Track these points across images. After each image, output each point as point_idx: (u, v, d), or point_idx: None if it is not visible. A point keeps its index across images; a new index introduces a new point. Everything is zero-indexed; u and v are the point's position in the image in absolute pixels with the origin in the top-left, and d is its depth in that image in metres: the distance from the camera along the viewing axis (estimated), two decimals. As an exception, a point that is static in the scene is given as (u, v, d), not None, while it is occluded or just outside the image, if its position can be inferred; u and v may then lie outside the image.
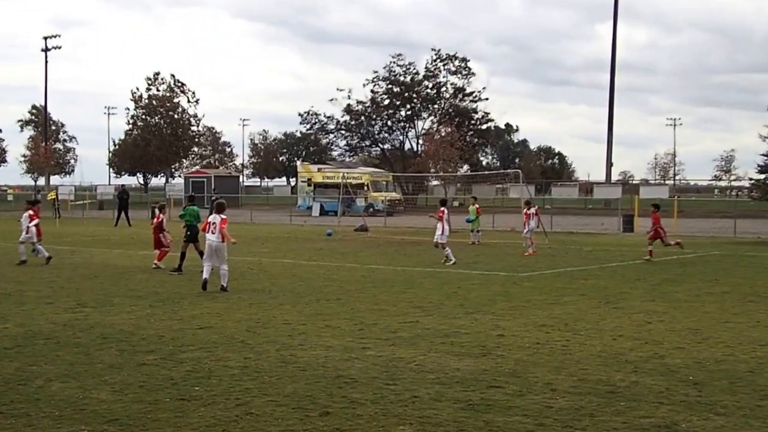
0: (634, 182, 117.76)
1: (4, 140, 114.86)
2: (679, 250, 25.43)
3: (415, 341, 11.65)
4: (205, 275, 16.88)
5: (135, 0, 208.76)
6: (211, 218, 16.99)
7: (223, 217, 16.84)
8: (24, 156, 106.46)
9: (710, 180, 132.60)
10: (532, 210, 27.80)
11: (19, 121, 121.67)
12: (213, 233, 16.74)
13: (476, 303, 15.42)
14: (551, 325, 13.02)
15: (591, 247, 29.24)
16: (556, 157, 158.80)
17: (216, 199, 21.06)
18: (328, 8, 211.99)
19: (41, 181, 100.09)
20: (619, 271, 21.58)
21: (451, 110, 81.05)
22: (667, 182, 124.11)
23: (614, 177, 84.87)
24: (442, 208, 23.44)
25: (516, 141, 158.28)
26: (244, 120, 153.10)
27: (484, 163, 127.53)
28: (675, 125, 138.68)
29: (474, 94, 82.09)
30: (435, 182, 67.28)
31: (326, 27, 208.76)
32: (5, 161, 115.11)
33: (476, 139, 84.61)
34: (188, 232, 20.84)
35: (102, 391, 8.83)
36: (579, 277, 19.76)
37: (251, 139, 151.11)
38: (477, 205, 32.54)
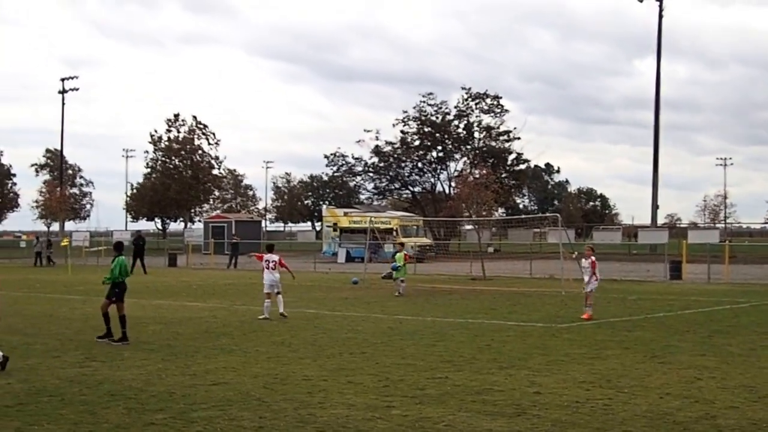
0: (681, 226, 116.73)
1: (17, 184, 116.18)
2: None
3: (444, 399, 11.43)
4: None
5: (147, 38, 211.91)
6: None
7: None
8: (37, 201, 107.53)
9: (763, 223, 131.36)
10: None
11: (33, 165, 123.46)
12: None
13: (511, 357, 15.16)
14: (592, 381, 12.73)
15: (635, 296, 28.84)
16: (598, 200, 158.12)
17: None
18: (348, 45, 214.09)
19: (55, 227, 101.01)
20: (666, 322, 21.20)
21: (485, 151, 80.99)
22: (717, 225, 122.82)
23: (660, 220, 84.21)
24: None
25: (554, 182, 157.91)
26: (267, 162, 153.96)
27: (520, 206, 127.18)
28: (725, 165, 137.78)
29: (509, 134, 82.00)
30: (468, 227, 66.96)
31: (348, 64, 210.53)
32: (18, 206, 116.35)
33: (512, 181, 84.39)
34: (116, 290, 17.80)
35: (105, 453, 8.68)
36: (622, 329, 19.42)
37: (274, 182, 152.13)
38: (405, 252, 31.44)
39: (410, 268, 44.64)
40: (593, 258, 22.90)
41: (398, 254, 31.02)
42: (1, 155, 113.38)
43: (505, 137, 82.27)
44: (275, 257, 22.10)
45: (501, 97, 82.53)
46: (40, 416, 10.45)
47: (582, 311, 22.29)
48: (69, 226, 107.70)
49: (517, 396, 11.62)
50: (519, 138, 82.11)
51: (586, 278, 22.55)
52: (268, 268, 21.81)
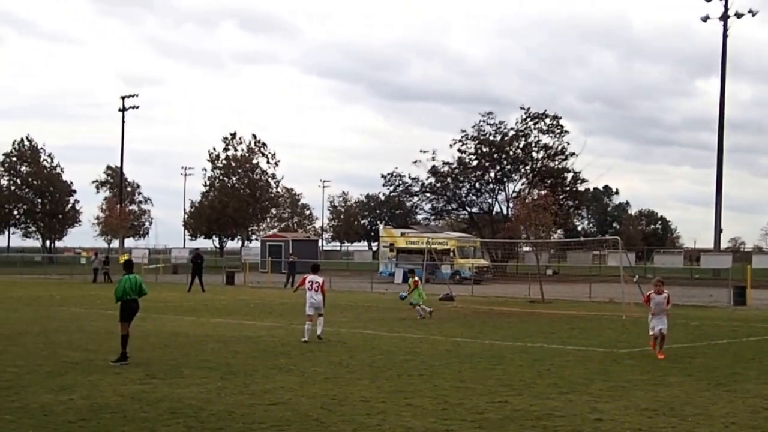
0: (746, 250, 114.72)
1: (78, 201, 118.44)
2: None
3: (503, 424, 11.37)
4: None
5: (204, 57, 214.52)
6: None
7: None
8: (98, 218, 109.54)
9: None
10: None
11: (94, 182, 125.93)
12: None
13: (571, 382, 15.02)
14: (655, 409, 12.56)
15: (698, 322, 28.38)
16: (659, 222, 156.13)
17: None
18: (405, 64, 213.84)
19: (115, 244, 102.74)
20: (730, 348, 20.83)
21: (543, 171, 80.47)
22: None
23: (723, 244, 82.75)
24: None
25: (614, 205, 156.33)
26: (324, 181, 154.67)
27: (579, 228, 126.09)
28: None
29: (563, 150, 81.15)
30: (526, 248, 66.57)
31: (405, 83, 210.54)
32: (79, 222, 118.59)
33: (570, 202, 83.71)
34: (121, 309, 17.62)
35: (167, 471, 8.79)
36: (685, 355, 19.13)
37: (331, 202, 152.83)
38: (416, 278, 29.67)
39: (467, 289, 44.63)
40: (668, 293, 19.34)
41: (409, 279, 30.14)
42: (63, 172, 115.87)
43: (562, 156, 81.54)
44: (319, 279, 21.50)
45: (560, 117, 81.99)
46: (103, 432, 10.65)
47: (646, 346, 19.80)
48: (128, 242, 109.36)
49: (578, 422, 11.52)
50: (575, 154, 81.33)
51: (657, 315, 18.94)
52: (311, 289, 21.21)
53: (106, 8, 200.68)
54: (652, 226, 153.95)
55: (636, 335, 23.48)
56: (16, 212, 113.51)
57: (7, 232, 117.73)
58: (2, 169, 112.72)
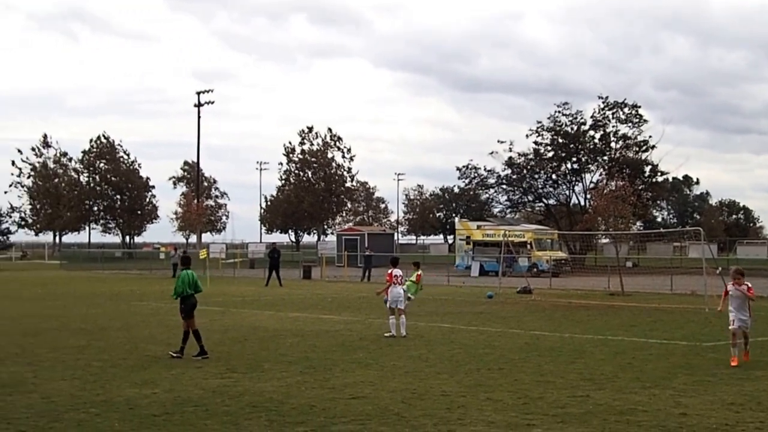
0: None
1: (155, 197, 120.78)
2: None
3: (586, 418, 11.27)
4: None
5: (276, 52, 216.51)
6: None
7: None
8: (176, 213, 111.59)
9: None
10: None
11: (171, 178, 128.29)
12: None
13: (654, 376, 14.82)
14: (741, 403, 12.32)
15: (785, 314, 27.68)
16: (741, 212, 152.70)
17: None
18: (476, 54, 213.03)
19: (193, 239, 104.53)
20: (819, 342, 20.28)
21: (621, 162, 79.14)
22: None
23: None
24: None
25: (694, 195, 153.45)
26: (398, 174, 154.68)
27: (658, 219, 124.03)
28: None
29: (643, 143, 79.73)
30: (605, 240, 65.78)
31: (476, 74, 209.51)
32: (157, 218, 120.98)
33: (649, 194, 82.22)
34: (181, 305, 17.68)
35: (251, 464, 8.91)
36: (772, 349, 18.69)
37: (406, 195, 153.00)
38: (419, 272, 25.62)
39: (545, 282, 44.26)
40: (748, 284, 16.61)
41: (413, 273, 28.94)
42: (140, 168, 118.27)
43: (638, 147, 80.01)
44: (401, 272, 21.61)
45: (640, 107, 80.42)
46: (186, 426, 10.85)
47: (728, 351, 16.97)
48: (205, 237, 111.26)
49: (662, 417, 11.36)
50: (654, 147, 79.82)
51: (737, 309, 16.45)
52: (397, 283, 21.32)
53: (178, 3, 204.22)
54: (734, 217, 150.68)
55: (719, 328, 22.96)
56: (96, 208, 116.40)
57: (87, 228, 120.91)
58: (81, 166, 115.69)
